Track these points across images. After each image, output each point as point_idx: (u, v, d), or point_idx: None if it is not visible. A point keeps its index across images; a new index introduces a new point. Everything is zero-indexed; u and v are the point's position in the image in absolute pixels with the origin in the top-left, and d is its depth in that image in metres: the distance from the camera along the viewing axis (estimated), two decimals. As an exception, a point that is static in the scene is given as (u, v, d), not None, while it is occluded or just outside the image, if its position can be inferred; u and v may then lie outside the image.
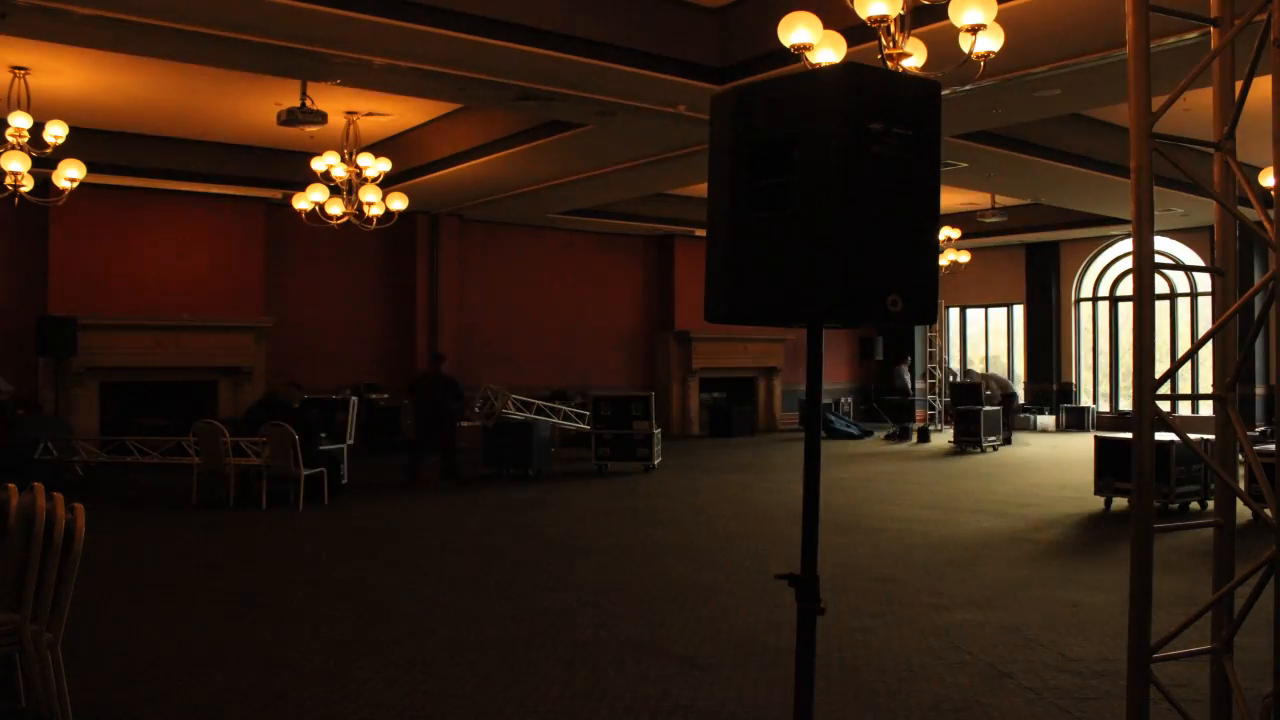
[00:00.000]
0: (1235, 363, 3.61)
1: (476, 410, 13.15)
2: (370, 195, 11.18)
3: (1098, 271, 20.73)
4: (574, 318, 18.77)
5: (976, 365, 22.05)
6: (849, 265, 2.40)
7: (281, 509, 10.25)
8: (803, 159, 2.46)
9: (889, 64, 6.01)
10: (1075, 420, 19.80)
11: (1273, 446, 11.97)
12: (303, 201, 11.37)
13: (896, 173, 2.47)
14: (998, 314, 22.56)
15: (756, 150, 2.58)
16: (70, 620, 4.18)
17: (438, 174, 13.57)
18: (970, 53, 6.02)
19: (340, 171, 11.17)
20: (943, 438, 18.61)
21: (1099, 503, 10.36)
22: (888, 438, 18.99)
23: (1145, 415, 3.36)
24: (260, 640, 5.66)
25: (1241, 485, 3.89)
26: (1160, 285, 20.87)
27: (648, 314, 20.06)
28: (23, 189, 9.61)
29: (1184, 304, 19.25)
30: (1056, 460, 15.07)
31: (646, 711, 4.49)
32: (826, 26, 6.09)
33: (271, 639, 5.68)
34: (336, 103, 11.08)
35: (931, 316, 2.59)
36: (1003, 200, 17.13)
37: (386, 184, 11.69)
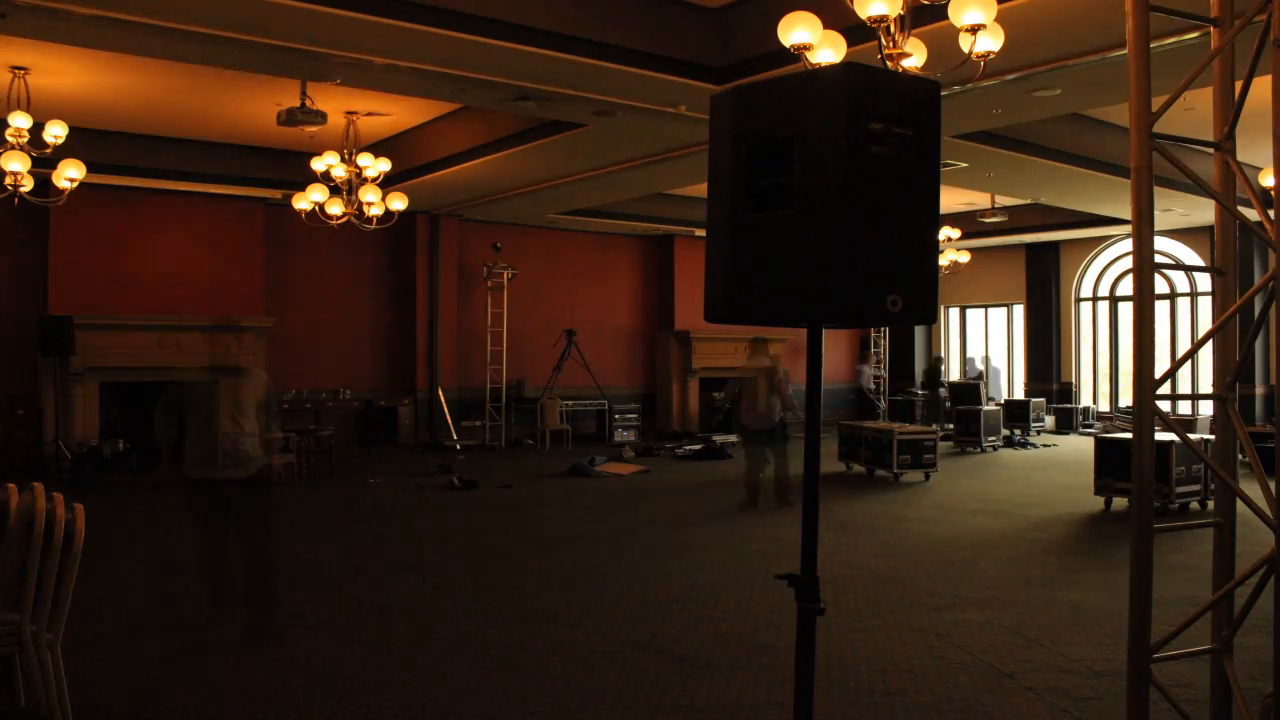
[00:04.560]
0: (1235, 363, 3.61)
1: None
2: (370, 195, 11.17)
3: (1098, 271, 20.72)
4: (574, 318, 18.76)
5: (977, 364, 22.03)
6: (848, 266, 2.40)
7: (286, 511, 10.24)
8: (802, 159, 2.45)
9: (889, 64, 6.00)
10: (1065, 421, 19.78)
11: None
12: (303, 201, 11.37)
13: (896, 172, 2.47)
14: (998, 314, 22.55)
15: (756, 150, 2.58)
16: (70, 620, 4.18)
17: (438, 174, 13.56)
18: (970, 53, 6.02)
19: (340, 171, 11.16)
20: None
21: (1099, 503, 10.36)
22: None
23: (1145, 415, 3.36)
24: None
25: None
26: (1160, 285, 20.79)
27: (648, 314, 20.05)
28: (23, 189, 9.60)
29: (1184, 304, 19.25)
30: (1056, 460, 15.07)
31: (646, 711, 4.49)
32: (826, 26, 6.08)
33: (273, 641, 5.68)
34: (336, 103, 11.08)
35: (932, 316, 2.58)
36: (1003, 200, 17.12)
37: (386, 184, 11.69)
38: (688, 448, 16.21)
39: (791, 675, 2.78)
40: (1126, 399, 20.28)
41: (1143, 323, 3.35)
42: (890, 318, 2.49)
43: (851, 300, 2.42)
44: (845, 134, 2.38)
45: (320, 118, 10.35)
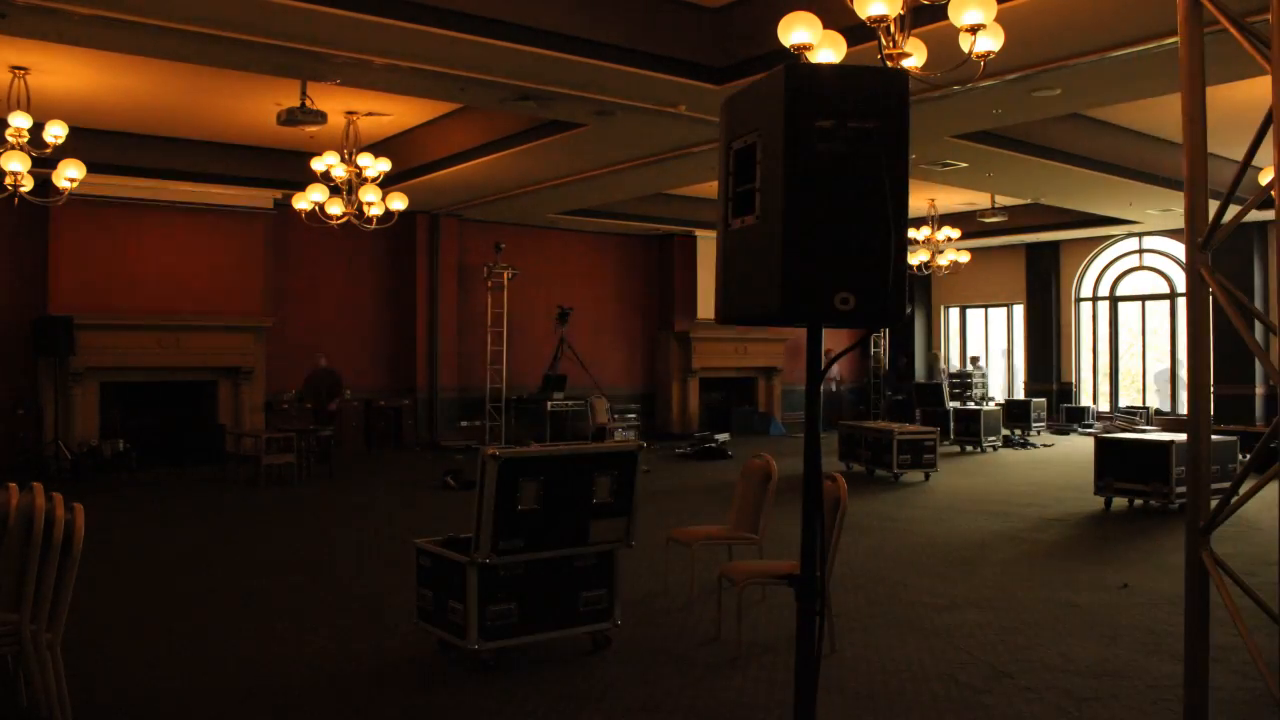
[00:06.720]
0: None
1: None
2: (370, 195, 11.17)
3: (1098, 271, 20.72)
4: (574, 318, 18.76)
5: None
6: (792, 265, 2.42)
7: (285, 511, 10.25)
8: (761, 164, 2.53)
9: (889, 64, 6.00)
10: (1067, 421, 19.75)
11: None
12: (303, 201, 11.37)
13: (852, 168, 2.44)
14: (998, 314, 22.56)
15: (737, 157, 2.68)
16: (70, 620, 4.18)
17: (438, 174, 13.56)
18: (970, 53, 6.01)
19: (340, 171, 11.16)
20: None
21: (1099, 503, 10.36)
22: None
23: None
24: (260, 640, 5.66)
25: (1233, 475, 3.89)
26: (1160, 285, 20.77)
27: (648, 314, 20.06)
28: (23, 189, 9.60)
29: (1184, 304, 19.23)
30: (1056, 460, 15.07)
31: (646, 711, 4.49)
32: (826, 26, 6.08)
33: (272, 639, 5.68)
34: (336, 103, 11.08)
35: (893, 317, 2.45)
36: (1003, 200, 17.12)
37: (386, 184, 11.68)
38: (688, 447, 16.21)
39: (791, 675, 2.78)
40: (1126, 399, 20.30)
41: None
42: (842, 317, 2.45)
43: (795, 300, 2.43)
44: (787, 136, 2.42)
45: (320, 118, 10.34)
